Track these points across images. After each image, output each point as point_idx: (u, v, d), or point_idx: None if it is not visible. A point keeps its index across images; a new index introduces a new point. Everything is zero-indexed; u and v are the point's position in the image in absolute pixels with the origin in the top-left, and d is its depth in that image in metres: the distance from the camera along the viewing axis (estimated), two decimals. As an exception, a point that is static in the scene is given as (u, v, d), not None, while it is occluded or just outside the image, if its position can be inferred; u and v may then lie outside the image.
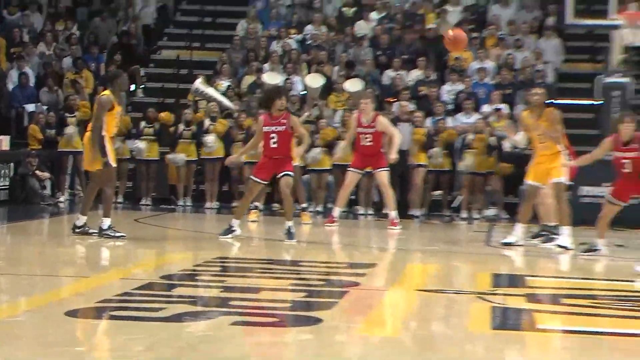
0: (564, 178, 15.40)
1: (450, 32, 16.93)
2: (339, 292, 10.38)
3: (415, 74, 24.44)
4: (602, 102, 22.02)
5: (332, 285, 11.22)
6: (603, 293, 11.55)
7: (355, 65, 24.92)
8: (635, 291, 11.90)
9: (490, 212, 22.10)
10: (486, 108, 23.22)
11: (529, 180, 15.54)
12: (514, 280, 12.39)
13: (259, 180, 15.39)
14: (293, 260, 13.85)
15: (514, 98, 23.76)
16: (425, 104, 23.18)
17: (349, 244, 16.64)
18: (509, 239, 15.56)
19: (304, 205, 19.40)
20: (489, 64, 24.75)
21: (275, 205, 21.57)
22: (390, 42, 25.71)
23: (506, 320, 9.48)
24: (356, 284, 11.11)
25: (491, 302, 10.09)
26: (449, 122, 22.76)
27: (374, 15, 26.65)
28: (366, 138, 17.70)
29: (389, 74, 24.47)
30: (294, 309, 9.41)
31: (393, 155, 17.85)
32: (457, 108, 23.33)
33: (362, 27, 26.22)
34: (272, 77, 24.08)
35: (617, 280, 12.69)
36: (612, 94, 21.46)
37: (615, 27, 21.34)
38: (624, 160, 14.16)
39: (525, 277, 12.57)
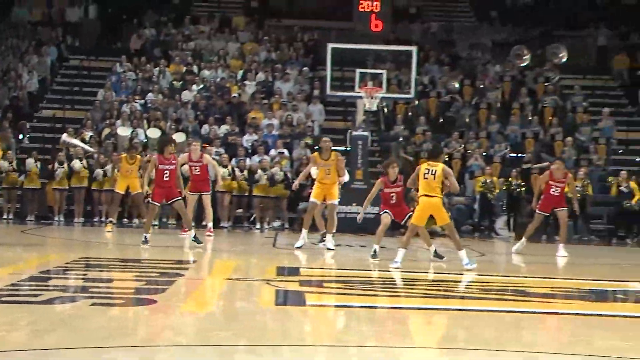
0: (337, 200, 15.63)
1: None
2: (169, 281, 10.26)
3: (225, 128, 24.37)
4: (350, 148, 22.44)
5: (165, 276, 11.07)
6: (353, 279, 11.73)
7: (182, 121, 24.70)
8: (375, 277, 12.13)
9: (277, 223, 22.19)
10: (273, 152, 23.34)
11: (312, 198, 15.58)
12: (292, 271, 12.47)
13: (156, 203, 15.13)
14: (136, 259, 13.60)
15: (292, 145, 23.97)
16: (232, 148, 23.13)
17: (179, 247, 16.45)
18: (298, 243, 15.35)
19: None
20: (275, 121, 24.88)
21: (126, 220, 21.21)
22: (206, 106, 25.58)
23: (286, 298, 9.54)
24: (182, 275, 11.00)
25: (275, 286, 10.14)
26: (248, 161, 22.76)
27: (194, 87, 26.45)
28: (196, 169, 17.45)
29: (206, 127, 24.33)
30: (137, 293, 9.25)
31: (220, 182, 17.90)
32: (253, 151, 23.35)
33: (186, 95, 25.99)
34: (123, 130, 23.69)
35: (363, 270, 12.92)
36: (358, 143, 21.85)
37: (360, 97, 21.76)
38: (391, 194, 14.21)
39: (299, 269, 12.66)
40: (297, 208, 22.00)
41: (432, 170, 12.48)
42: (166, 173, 15.00)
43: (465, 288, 11.24)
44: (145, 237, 15.09)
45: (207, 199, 17.40)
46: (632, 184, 21.97)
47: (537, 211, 16.24)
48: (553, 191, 16.05)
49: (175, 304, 8.51)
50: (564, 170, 16.28)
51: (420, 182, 12.61)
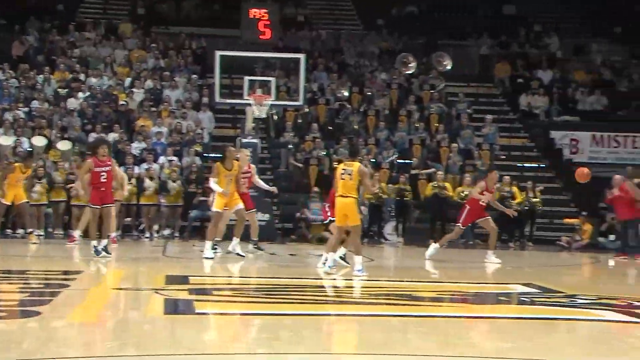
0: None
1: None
2: (55, 292, 10.02)
3: (113, 135, 23.97)
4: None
5: (50, 287, 10.82)
6: (244, 286, 11.71)
7: (68, 129, 24.19)
8: (266, 284, 12.12)
9: (167, 232, 21.96)
10: (162, 159, 23.09)
11: (215, 208, 15.22)
12: (181, 280, 12.35)
13: (96, 206, 14.85)
14: (21, 270, 13.22)
15: (182, 152, 23.79)
16: (120, 156, 22.75)
17: (66, 257, 16.08)
18: (206, 254, 14.87)
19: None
20: (164, 129, 24.62)
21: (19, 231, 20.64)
22: (93, 114, 25.12)
23: (175, 307, 9.43)
24: (68, 286, 10.76)
25: (164, 295, 10.03)
26: (136, 169, 22.45)
27: (81, 94, 25.94)
28: (102, 175, 17.18)
29: (93, 135, 23.86)
30: (21, 305, 9.00)
31: (125, 192, 17.70)
32: (142, 159, 23.03)
33: (72, 103, 25.45)
34: (5, 139, 23.07)
35: (253, 277, 12.91)
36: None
37: (249, 104, 21.74)
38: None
39: (189, 277, 12.54)
40: (189, 216, 21.85)
41: (349, 170, 12.55)
42: (103, 175, 14.83)
43: (355, 293, 11.35)
44: (95, 247, 14.77)
45: (113, 210, 17.23)
46: (514, 189, 22.63)
47: (462, 226, 16.54)
48: (482, 202, 16.30)
49: (61, 315, 8.33)
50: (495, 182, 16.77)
51: (338, 182, 12.67)
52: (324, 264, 12.96)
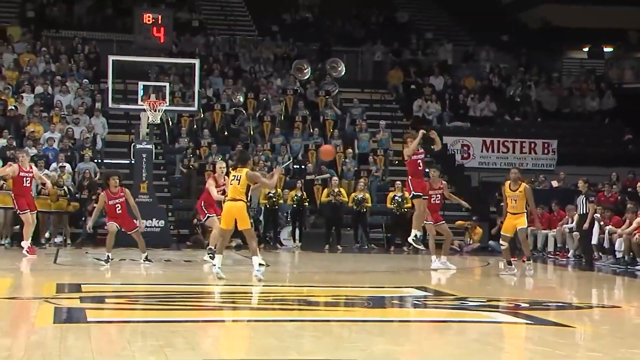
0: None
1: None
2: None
3: (1, 142, 23.31)
4: (135, 161, 22.06)
5: None
6: (137, 293, 11.55)
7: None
8: (159, 290, 11.97)
9: (58, 239, 21.49)
10: (54, 165, 22.60)
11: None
12: (73, 288, 12.10)
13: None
14: None
15: (75, 158, 23.37)
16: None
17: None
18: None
19: None
20: (56, 135, 24.08)
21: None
22: (-19, 119, 24.43)
23: (66, 316, 9.23)
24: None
25: (54, 304, 9.80)
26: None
27: (-33, 99, 25.22)
28: (27, 180, 17.01)
29: (-20, 140, 23.20)
30: None
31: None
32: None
33: (-41, 107, 24.69)
34: None
35: (146, 284, 12.75)
36: (142, 156, 21.50)
37: (143, 109, 21.44)
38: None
39: (81, 285, 12.29)
40: (83, 223, 21.41)
41: (238, 177, 12.85)
42: (117, 207, 15.39)
43: (251, 299, 11.33)
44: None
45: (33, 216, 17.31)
46: (406, 193, 22.96)
47: (428, 222, 16.35)
48: (434, 200, 16.34)
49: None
50: (438, 179, 16.72)
51: (228, 187, 13.09)
52: (258, 271, 12.82)
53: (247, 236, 13.13)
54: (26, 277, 13.91)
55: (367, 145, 25.89)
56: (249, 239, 13.02)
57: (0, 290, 11.83)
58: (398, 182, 22.63)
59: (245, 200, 12.93)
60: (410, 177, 15.56)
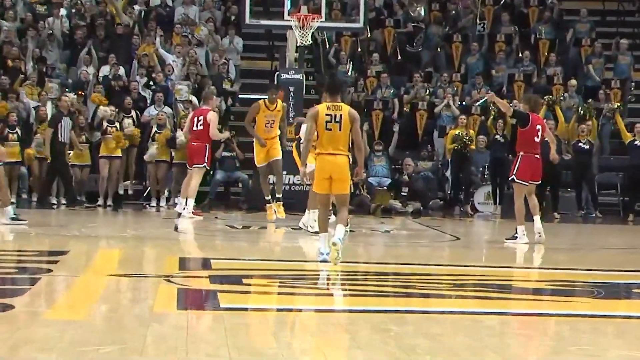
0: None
1: None
2: (32, 279, 10.17)
3: (105, 69, 24.24)
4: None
5: (25, 273, 10.98)
6: (280, 273, 11.77)
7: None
8: (308, 269, 12.17)
9: (179, 200, 22.12)
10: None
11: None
12: (200, 263, 12.45)
13: None
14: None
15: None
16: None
17: (42, 233, 16.33)
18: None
19: None
20: (178, 60, 24.73)
21: None
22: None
23: (192, 300, 9.51)
24: (49, 271, 10.92)
25: (177, 284, 10.13)
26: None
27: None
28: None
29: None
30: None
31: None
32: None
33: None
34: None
35: (294, 261, 12.99)
36: (289, 89, 21.79)
37: (290, 27, 21.67)
38: None
39: (210, 260, 12.65)
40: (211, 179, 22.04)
41: (336, 116, 11.88)
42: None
43: (432, 283, 11.40)
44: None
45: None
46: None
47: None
48: None
49: (40, 310, 8.44)
50: None
51: (324, 132, 11.97)
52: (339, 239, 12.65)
53: (343, 204, 12.27)
54: (139, 248, 14.41)
55: (598, 74, 25.38)
56: (343, 207, 12.26)
57: (108, 265, 12.31)
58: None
59: (348, 154, 12.11)
60: None
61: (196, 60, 24.65)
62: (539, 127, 15.60)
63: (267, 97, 17.67)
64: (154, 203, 21.94)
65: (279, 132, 17.74)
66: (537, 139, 15.58)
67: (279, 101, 17.68)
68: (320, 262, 11.84)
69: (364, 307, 9.32)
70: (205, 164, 18.34)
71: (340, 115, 11.83)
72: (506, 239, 15.82)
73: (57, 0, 26.58)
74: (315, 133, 12.06)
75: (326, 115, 11.86)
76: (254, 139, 17.68)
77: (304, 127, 14.31)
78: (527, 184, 15.62)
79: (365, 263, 13.09)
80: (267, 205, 17.81)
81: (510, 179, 16.00)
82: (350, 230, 15.60)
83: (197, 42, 25.48)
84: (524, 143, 15.63)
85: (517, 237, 15.55)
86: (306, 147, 12.47)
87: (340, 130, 11.84)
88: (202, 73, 24.45)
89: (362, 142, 12.65)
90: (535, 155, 15.63)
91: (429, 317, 8.76)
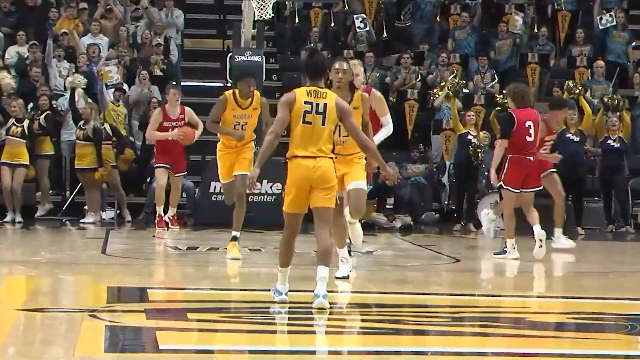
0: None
1: None
2: None
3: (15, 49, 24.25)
4: (232, 83, 22.29)
5: None
6: (234, 305, 11.78)
7: None
8: (270, 302, 12.16)
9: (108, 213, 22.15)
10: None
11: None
12: (133, 294, 12.41)
13: None
14: None
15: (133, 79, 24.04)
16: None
17: None
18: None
19: None
20: (103, 39, 24.74)
21: None
22: None
23: (124, 340, 9.47)
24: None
25: (105, 320, 10.08)
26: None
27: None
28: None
29: None
30: None
31: None
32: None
33: None
34: None
35: (251, 290, 12.99)
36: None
37: (246, -2, 21.69)
38: None
39: (147, 290, 12.60)
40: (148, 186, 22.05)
41: (317, 105, 11.17)
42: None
43: (429, 316, 11.43)
44: None
45: None
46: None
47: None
48: None
49: None
50: None
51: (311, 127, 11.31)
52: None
53: (325, 219, 11.37)
54: (57, 276, 14.39)
55: (623, 52, 25.54)
56: (324, 226, 11.33)
57: (17, 297, 12.27)
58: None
59: (333, 156, 11.28)
60: None
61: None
62: (529, 123, 15.79)
63: (237, 89, 16.33)
64: (89, 219, 21.71)
65: (254, 136, 16.37)
66: (529, 138, 15.80)
67: (257, 95, 16.35)
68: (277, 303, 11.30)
69: (340, 347, 9.32)
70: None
71: (325, 105, 11.07)
72: (495, 254, 16.59)
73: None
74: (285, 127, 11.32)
75: (305, 103, 11.08)
76: (219, 143, 16.42)
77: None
78: (517, 191, 15.83)
79: (342, 292, 13.07)
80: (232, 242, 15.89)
81: (498, 185, 16.23)
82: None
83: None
84: (513, 144, 15.89)
85: (507, 251, 16.20)
86: (270, 144, 11.38)
87: (323, 124, 11.09)
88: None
89: (365, 136, 11.70)
90: (528, 157, 15.82)
91: (422, 359, 8.78)
